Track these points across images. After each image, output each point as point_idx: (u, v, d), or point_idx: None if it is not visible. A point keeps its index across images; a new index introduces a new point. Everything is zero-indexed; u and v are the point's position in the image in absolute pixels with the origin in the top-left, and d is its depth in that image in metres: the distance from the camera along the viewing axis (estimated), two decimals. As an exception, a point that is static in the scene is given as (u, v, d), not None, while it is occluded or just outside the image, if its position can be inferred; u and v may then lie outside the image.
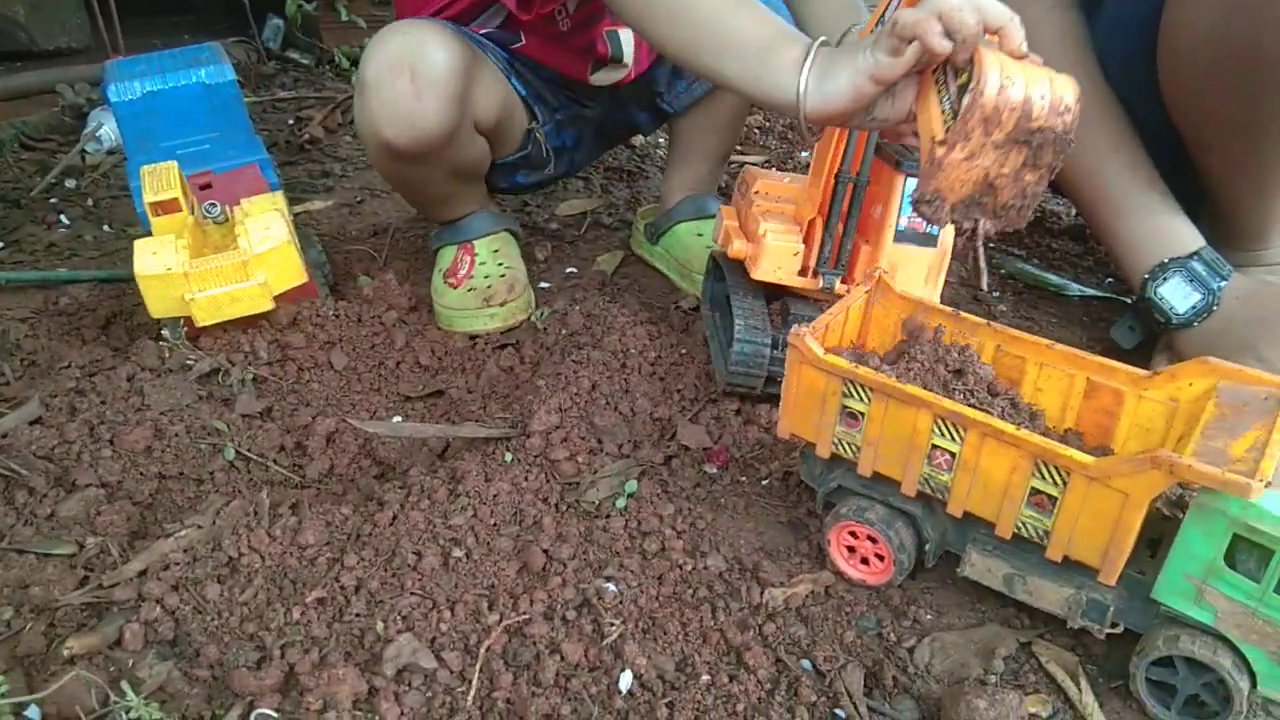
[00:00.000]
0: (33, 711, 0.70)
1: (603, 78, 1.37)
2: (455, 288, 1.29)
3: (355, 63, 2.62)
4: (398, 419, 1.12)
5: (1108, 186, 1.22)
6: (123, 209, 1.64)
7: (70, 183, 1.71)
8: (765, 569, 0.87)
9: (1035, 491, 0.74)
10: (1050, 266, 1.54)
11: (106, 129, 1.79)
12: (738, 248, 1.07)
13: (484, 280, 1.29)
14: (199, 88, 1.36)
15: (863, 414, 0.81)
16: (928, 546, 0.83)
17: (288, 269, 1.16)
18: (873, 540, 0.85)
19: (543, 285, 1.41)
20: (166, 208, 1.15)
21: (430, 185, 1.29)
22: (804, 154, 2.06)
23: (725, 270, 1.13)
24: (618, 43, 1.34)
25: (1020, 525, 0.76)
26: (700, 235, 1.41)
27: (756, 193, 1.09)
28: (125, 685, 0.68)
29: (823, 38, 0.84)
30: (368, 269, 1.42)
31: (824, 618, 0.83)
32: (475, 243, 1.34)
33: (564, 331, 1.23)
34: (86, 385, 1.05)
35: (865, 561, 0.86)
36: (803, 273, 1.06)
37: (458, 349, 1.24)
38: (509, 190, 1.48)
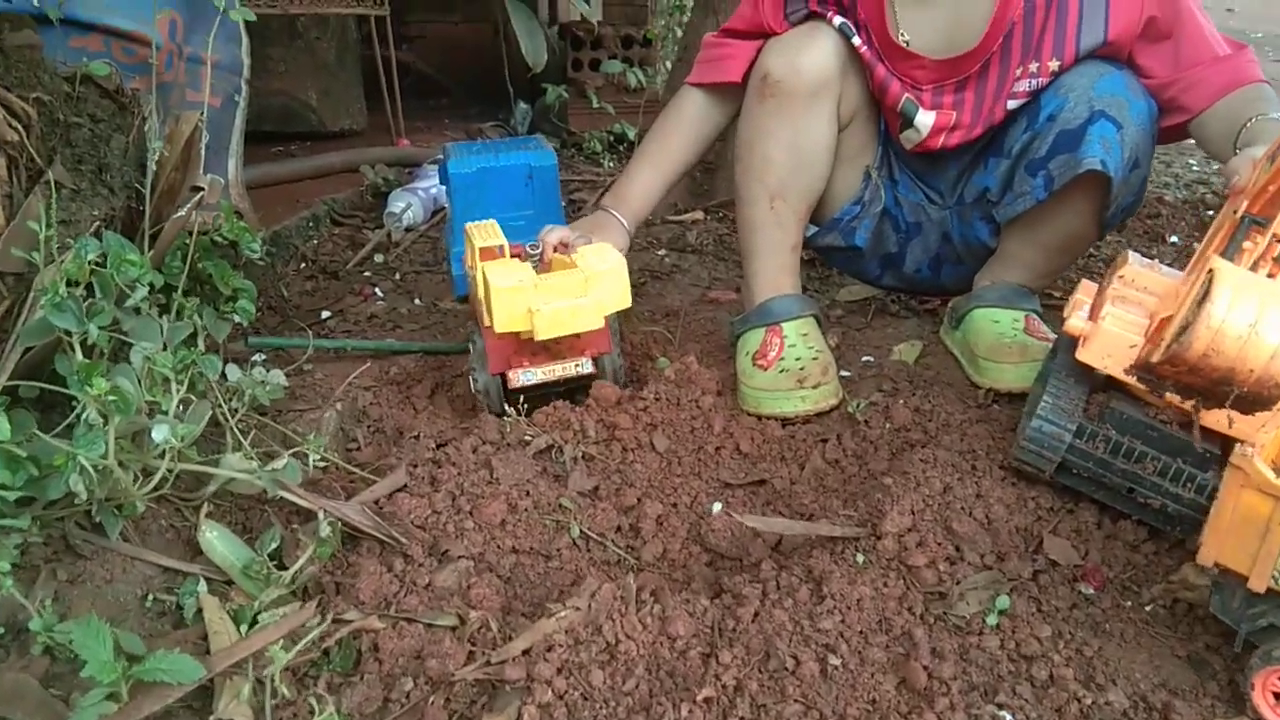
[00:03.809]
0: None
1: (905, 137, 1.37)
2: (765, 369, 1.28)
3: (607, 147, 2.73)
4: (718, 505, 1.11)
5: None
6: (427, 283, 1.75)
7: (378, 257, 1.85)
8: (1178, 710, 0.79)
9: None
10: None
11: (411, 211, 1.93)
12: (1074, 322, 1.01)
13: (795, 362, 1.27)
14: (525, 168, 1.45)
15: (1319, 549, 0.73)
16: (1395, 706, 0.73)
17: (617, 291, 1.19)
18: (1313, 690, 0.75)
19: (843, 374, 1.38)
20: (493, 254, 1.22)
21: (777, 155, 1.32)
22: (1172, 238, 1.98)
23: (1060, 345, 1.07)
24: (913, 108, 1.33)
25: None
26: (996, 323, 1.35)
27: (1120, 276, 1.02)
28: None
29: None
30: (664, 350, 1.44)
31: (1258, 774, 0.74)
32: (784, 325, 1.33)
33: (888, 425, 1.20)
34: (441, 456, 1.10)
35: (1299, 713, 0.77)
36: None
37: (776, 437, 1.22)
38: (842, 255, 1.53)
